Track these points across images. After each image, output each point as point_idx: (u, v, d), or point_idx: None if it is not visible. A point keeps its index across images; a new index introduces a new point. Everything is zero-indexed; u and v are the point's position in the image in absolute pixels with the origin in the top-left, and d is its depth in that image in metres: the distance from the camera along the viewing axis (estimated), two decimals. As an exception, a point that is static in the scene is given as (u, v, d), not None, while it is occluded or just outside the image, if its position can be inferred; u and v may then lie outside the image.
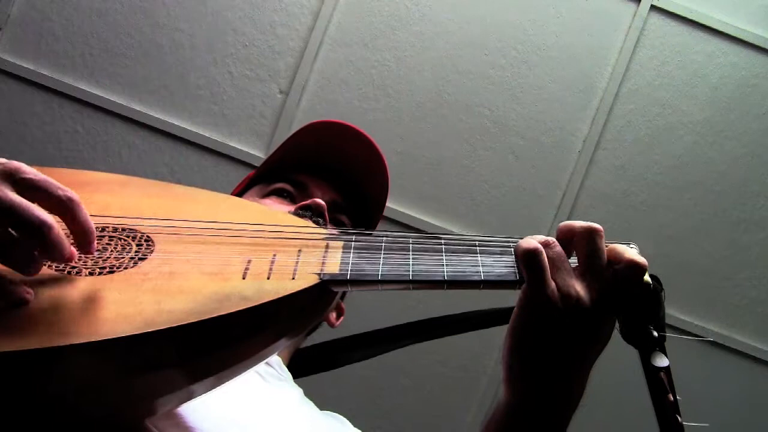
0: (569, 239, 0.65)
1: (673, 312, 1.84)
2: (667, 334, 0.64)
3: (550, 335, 0.61)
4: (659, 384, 0.62)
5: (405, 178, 1.89)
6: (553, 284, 0.61)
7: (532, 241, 0.62)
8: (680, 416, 0.62)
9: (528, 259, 0.61)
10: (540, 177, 1.92)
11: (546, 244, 0.62)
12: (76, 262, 0.59)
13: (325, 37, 1.92)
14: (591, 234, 0.63)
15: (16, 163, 0.56)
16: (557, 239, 0.65)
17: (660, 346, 0.64)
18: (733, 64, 1.94)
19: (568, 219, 1.86)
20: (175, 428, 0.64)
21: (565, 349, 0.62)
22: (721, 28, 1.93)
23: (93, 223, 0.58)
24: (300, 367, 0.93)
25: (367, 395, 1.83)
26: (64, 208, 0.56)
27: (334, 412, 0.91)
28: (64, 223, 0.57)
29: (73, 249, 0.56)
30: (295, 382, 0.90)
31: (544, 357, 0.62)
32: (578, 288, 0.61)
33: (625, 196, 1.92)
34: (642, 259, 0.63)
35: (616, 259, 0.63)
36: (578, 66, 1.94)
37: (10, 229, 0.53)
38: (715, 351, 1.88)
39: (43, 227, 0.53)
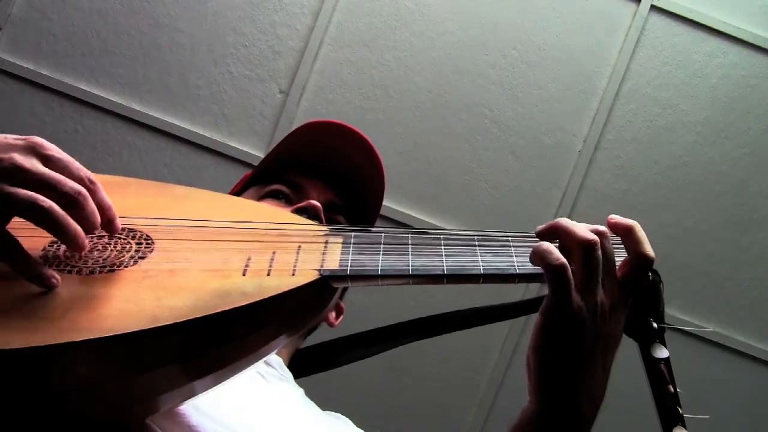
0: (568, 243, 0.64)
1: (673, 312, 1.83)
2: (667, 326, 0.64)
3: (576, 342, 0.60)
4: (659, 375, 0.62)
5: (405, 178, 1.89)
6: (578, 296, 0.60)
7: (559, 257, 0.60)
8: (681, 407, 0.61)
9: (555, 274, 0.59)
10: (540, 177, 1.92)
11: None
12: (76, 261, 0.59)
13: (325, 37, 1.92)
14: (594, 245, 0.62)
15: (38, 139, 0.57)
16: (562, 233, 0.64)
17: (660, 337, 0.63)
18: (733, 64, 1.94)
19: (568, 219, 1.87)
20: (177, 428, 0.63)
21: (589, 353, 0.61)
22: (721, 28, 1.93)
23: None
24: (300, 367, 0.93)
25: (367, 395, 1.83)
26: (85, 188, 0.57)
27: (335, 412, 0.91)
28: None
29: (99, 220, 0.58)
30: (296, 382, 0.90)
31: (569, 364, 0.61)
32: (599, 294, 0.61)
33: (625, 196, 1.92)
34: (650, 253, 0.63)
35: (627, 244, 0.65)
36: (578, 66, 1.94)
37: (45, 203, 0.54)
38: (715, 351, 1.88)
39: (79, 196, 0.55)
